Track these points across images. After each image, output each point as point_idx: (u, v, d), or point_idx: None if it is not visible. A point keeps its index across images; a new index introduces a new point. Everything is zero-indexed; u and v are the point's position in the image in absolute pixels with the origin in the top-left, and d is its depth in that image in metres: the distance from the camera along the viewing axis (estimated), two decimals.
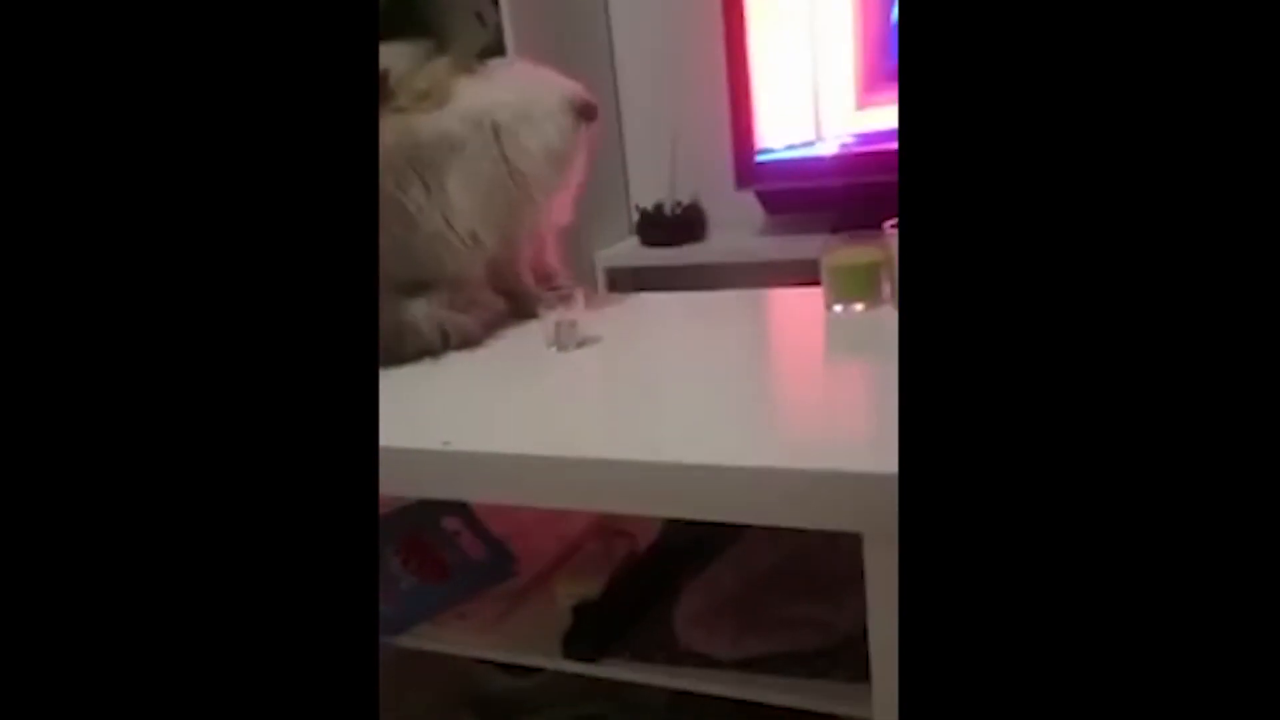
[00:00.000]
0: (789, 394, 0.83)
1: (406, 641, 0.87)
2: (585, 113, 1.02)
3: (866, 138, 1.78)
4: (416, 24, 2.03)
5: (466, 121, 0.99)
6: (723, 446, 0.66)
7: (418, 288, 0.97)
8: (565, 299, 0.94)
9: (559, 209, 1.06)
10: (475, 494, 0.83)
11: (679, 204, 2.04)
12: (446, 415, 0.80)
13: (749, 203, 2.01)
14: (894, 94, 1.76)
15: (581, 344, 0.94)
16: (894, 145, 1.74)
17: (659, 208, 2.04)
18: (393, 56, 1.15)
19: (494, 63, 1.06)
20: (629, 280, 2.00)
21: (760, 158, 1.87)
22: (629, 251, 2.04)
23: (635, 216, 2.08)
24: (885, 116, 1.75)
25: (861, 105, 1.79)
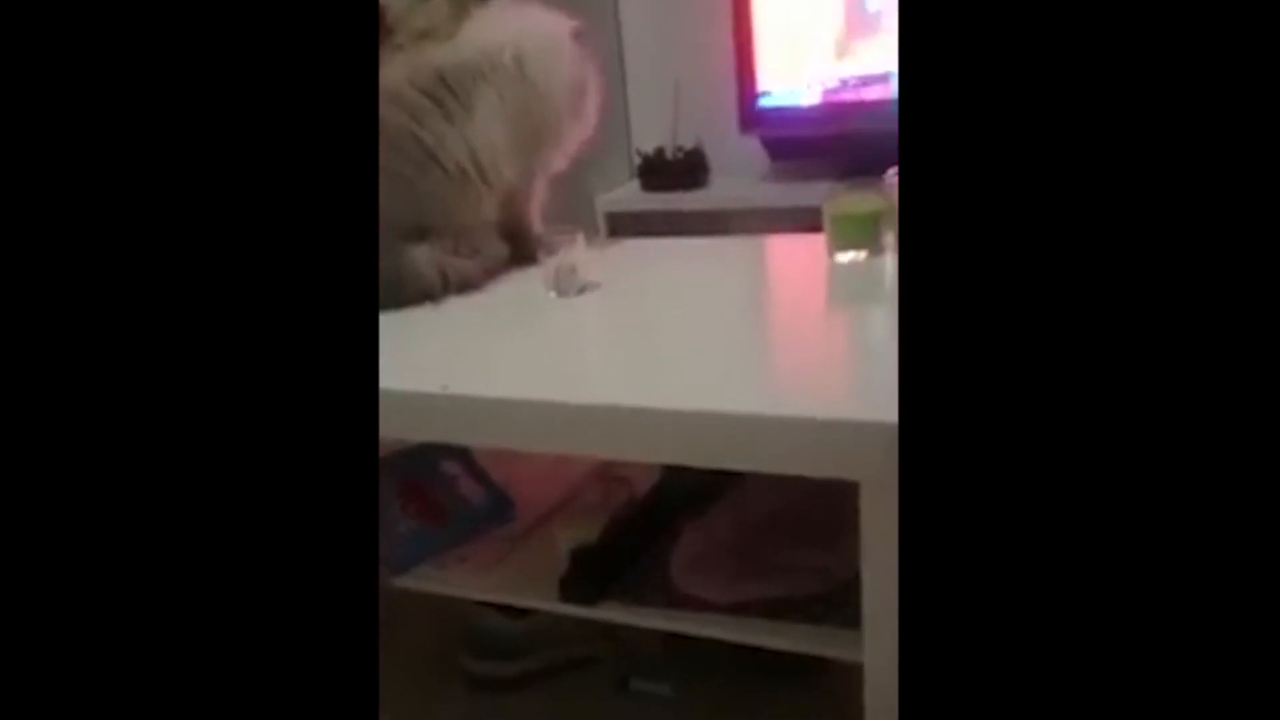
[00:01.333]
0: (788, 342, 0.83)
1: (405, 582, 0.88)
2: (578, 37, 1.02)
3: (868, 80, 1.76)
4: None
5: (488, 52, 0.98)
6: (720, 393, 0.66)
7: (422, 233, 0.96)
8: (566, 242, 0.94)
9: (567, 148, 1.04)
10: (474, 438, 0.83)
11: (681, 149, 2.01)
12: (446, 359, 0.80)
13: (752, 148, 1.99)
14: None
15: (582, 290, 0.94)
16: (890, 90, 1.72)
17: (660, 152, 2.02)
18: None
19: (493, 3, 1.04)
20: (630, 225, 1.99)
21: (764, 102, 1.85)
22: (630, 196, 2.02)
23: (637, 161, 2.06)
24: (884, 59, 1.73)
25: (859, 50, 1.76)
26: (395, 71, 0.96)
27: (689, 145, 2.02)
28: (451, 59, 0.97)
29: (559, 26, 1.01)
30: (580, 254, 0.94)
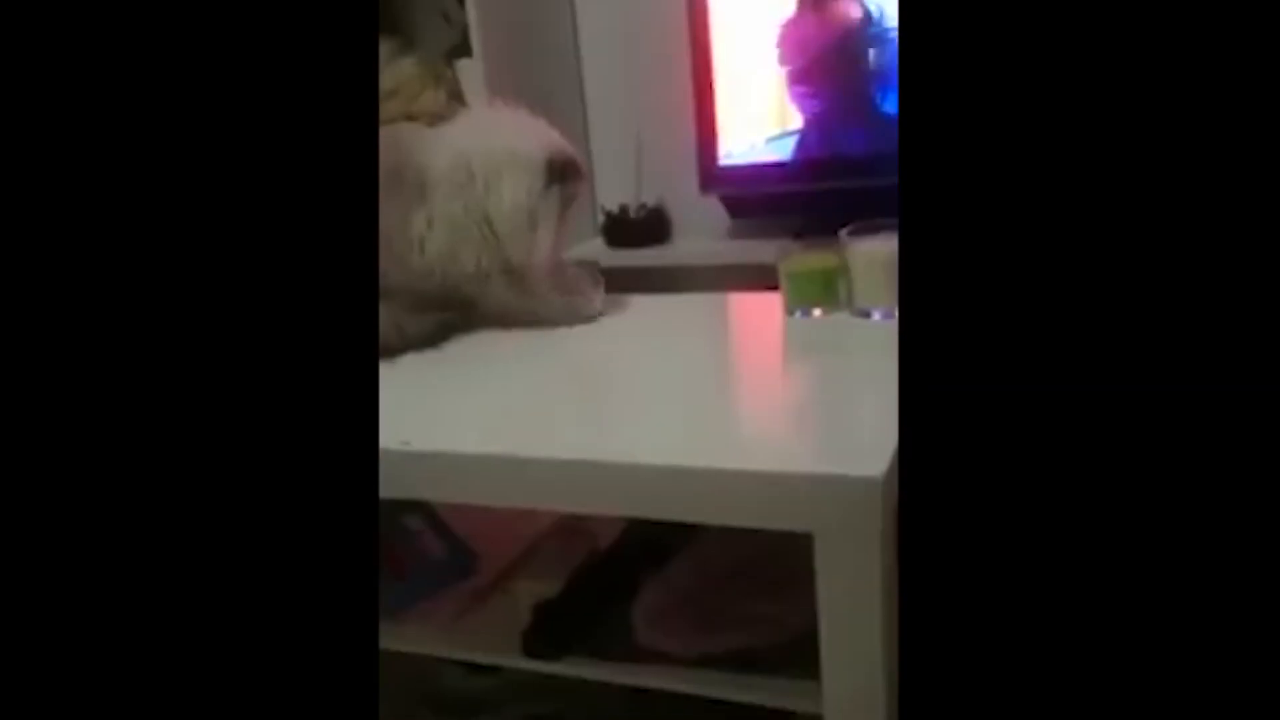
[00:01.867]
0: (746, 396, 0.84)
1: None
2: (566, 171, 1.01)
3: (827, 141, 1.81)
4: (382, 22, 2.02)
5: (447, 159, 0.98)
6: (679, 447, 0.67)
7: (385, 292, 0.97)
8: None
9: (537, 259, 1.03)
10: (435, 493, 0.84)
11: (644, 206, 2.05)
12: (405, 414, 0.81)
13: (713, 206, 2.03)
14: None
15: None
16: (853, 151, 1.77)
17: (624, 210, 2.05)
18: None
19: (476, 105, 1.05)
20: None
21: (724, 161, 1.89)
22: (594, 252, 2.05)
23: (601, 218, 2.09)
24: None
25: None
26: (402, 150, 0.98)
27: (651, 203, 2.06)
28: (412, 155, 0.98)
29: (532, 147, 1.00)
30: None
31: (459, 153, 0.99)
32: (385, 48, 1.90)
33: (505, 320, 1.04)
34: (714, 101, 1.87)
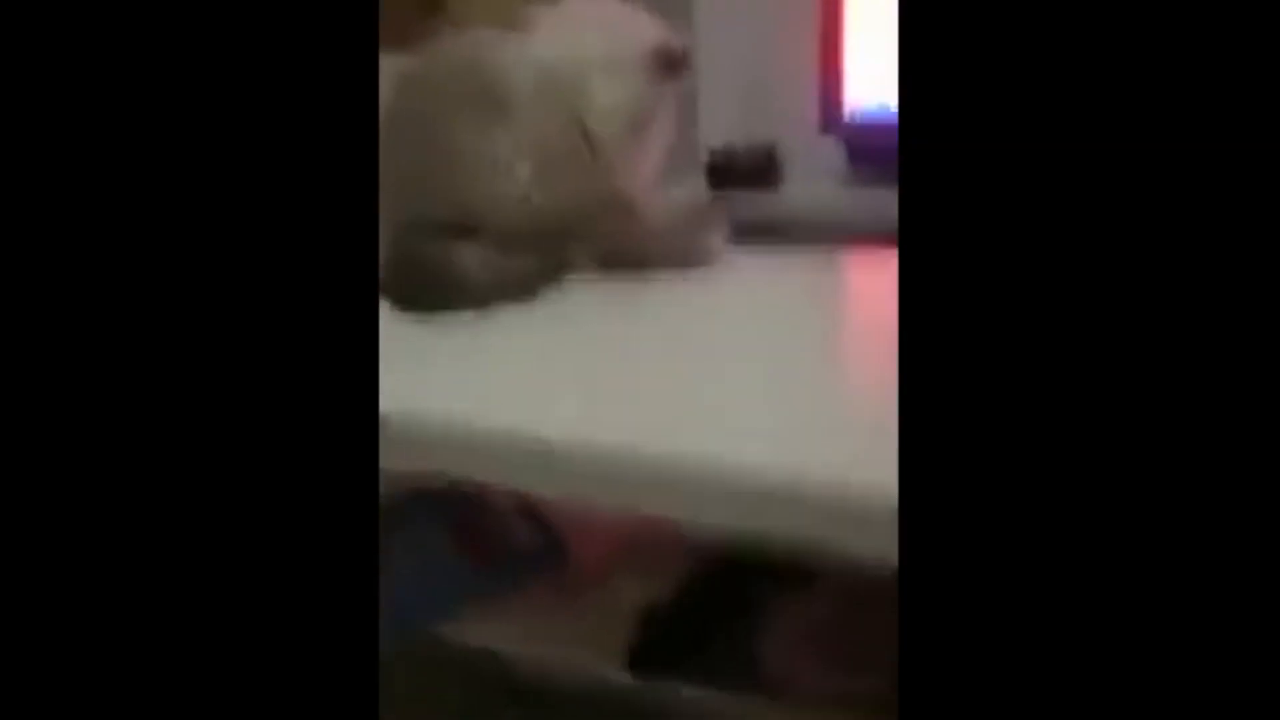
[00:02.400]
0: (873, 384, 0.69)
1: (449, 631, 0.77)
2: (673, 64, 0.87)
3: None
4: None
5: (534, 70, 0.84)
6: (811, 454, 0.53)
7: (468, 229, 0.84)
8: None
9: (642, 178, 0.90)
10: (529, 484, 0.72)
11: (753, 146, 1.88)
12: (500, 385, 0.68)
13: (832, 150, 1.85)
14: None
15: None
16: None
17: (730, 148, 1.89)
18: None
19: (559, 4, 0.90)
20: (699, 219, 1.86)
21: (849, 101, 1.71)
22: (696, 193, 1.89)
23: (704, 157, 1.93)
24: None
25: None
26: (442, 59, 0.85)
27: (762, 143, 1.88)
28: (491, 71, 0.85)
29: (632, 42, 0.87)
30: None
31: (544, 62, 0.84)
32: None
33: (613, 259, 0.90)
34: (841, 28, 1.68)
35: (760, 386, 0.65)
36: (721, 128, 1.96)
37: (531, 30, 0.86)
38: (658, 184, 0.92)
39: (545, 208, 0.85)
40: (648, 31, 0.88)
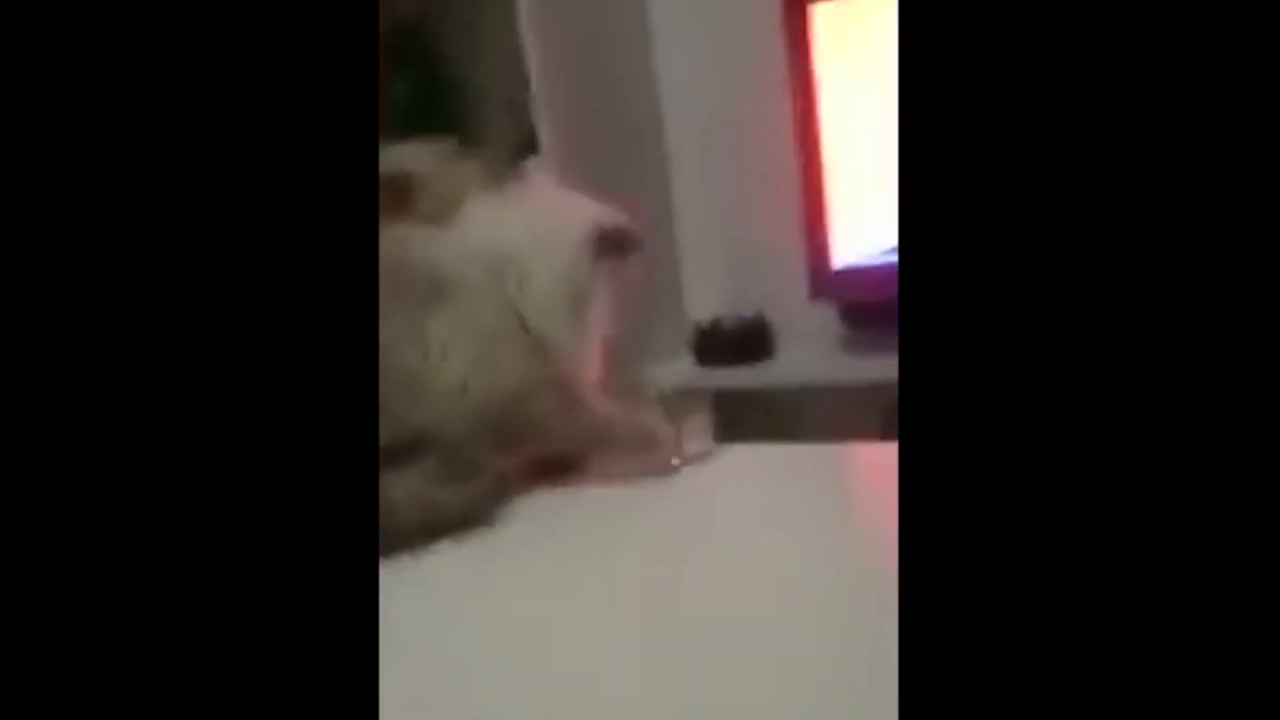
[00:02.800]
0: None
1: None
2: (617, 244, 0.79)
3: None
4: (441, 116, 1.80)
5: (467, 255, 0.76)
6: None
7: (398, 453, 0.68)
8: None
9: (584, 362, 0.80)
10: None
11: (741, 317, 1.75)
12: (430, 662, 0.50)
13: (824, 316, 1.71)
14: None
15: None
16: None
17: (717, 321, 1.76)
18: (414, 156, 0.95)
19: (509, 181, 0.82)
20: (682, 405, 1.71)
21: (840, 264, 1.59)
22: (682, 372, 1.75)
23: (690, 331, 1.80)
24: None
25: None
26: (403, 248, 0.74)
27: (749, 313, 1.76)
28: (421, 256, 0.76)
29: (572, 223, 0.80)
30: None
31: (476, 250, 0.77)
32: (443, 147, 1.66)
33: (560, 468, 0.76)
34: (824, 192, 1.58)
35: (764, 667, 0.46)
36: (708, 301, 1.84)
37: (465, 223, 0.78)
38: (605, 370, 0.80)
39: (484, 400, 0.73)
40: (587, 213, 0.80)
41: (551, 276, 0.75)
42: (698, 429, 0.82)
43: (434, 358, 0.72)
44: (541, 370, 0.74)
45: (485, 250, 0.75)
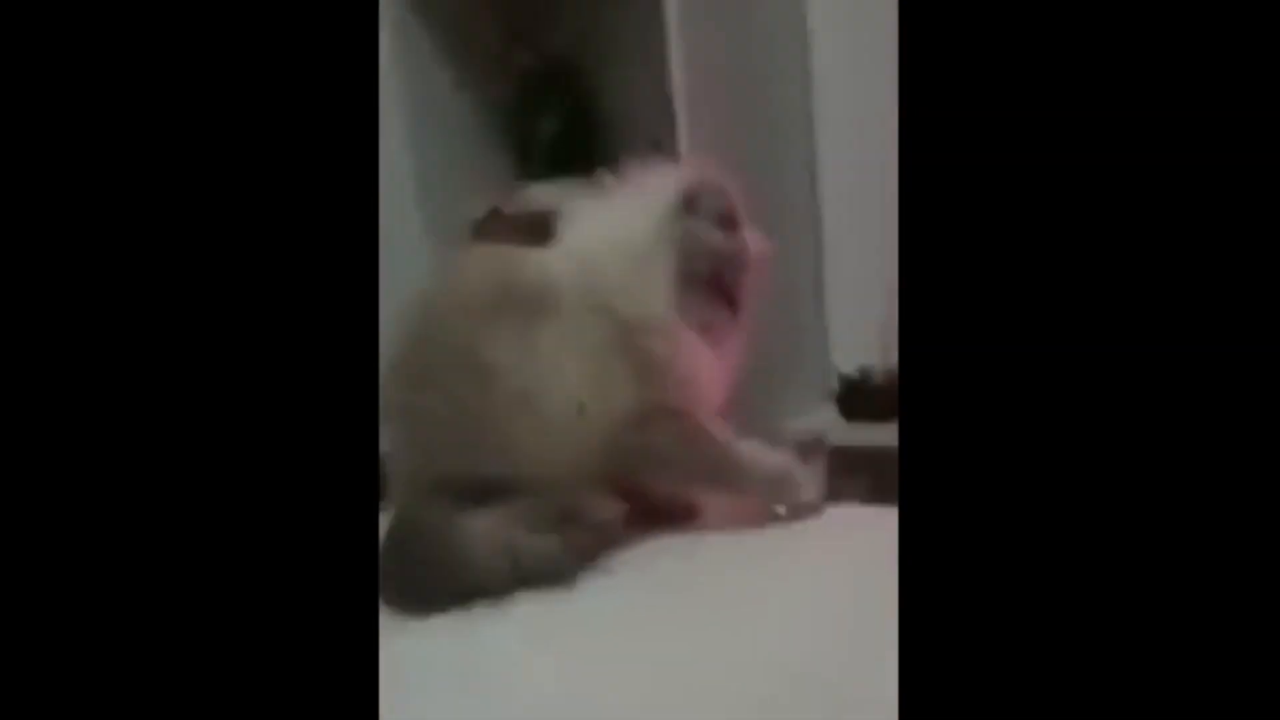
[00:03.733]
0: None
1: None
2: (691, 205, 0.73)
3: None
4: (587, 155, 1.77)
5: (563, 261, 0.73)
6: None
7: (486, 492, 0.62)
8: None
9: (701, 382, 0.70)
10: None
11: (892, 370, 1.62)
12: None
13: None
14: None
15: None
16: None
17: (866, 373, 1.64)
18: (559, 195, 0.94)
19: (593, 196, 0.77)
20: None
21: None
22: (825, 425, 1.63)
23: (835, 383, 1.68)
24: None
25: None
26: (473, 272, 0.76)
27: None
28: (529, 271, 0.72)
29: (651, 208, 0.74)
30: None
31: (576, 246, 0.73)
32: (589, 186, 1.64)
33: (673, 512, 0.72)
34: None
35: None
36: (854, 352, 1.73)
37: (556, 239, 0.73)
38: (730, 399, 0.75)
39: (602, 422, 0.68)
40: (666, 190, 0.75)
41: (639, 268, 0.69)
42: (813, 480, 0.72)
43: (548, 369, 0.67)
44: (659, 391, 0.68)
45: (577, 252, 0.70)
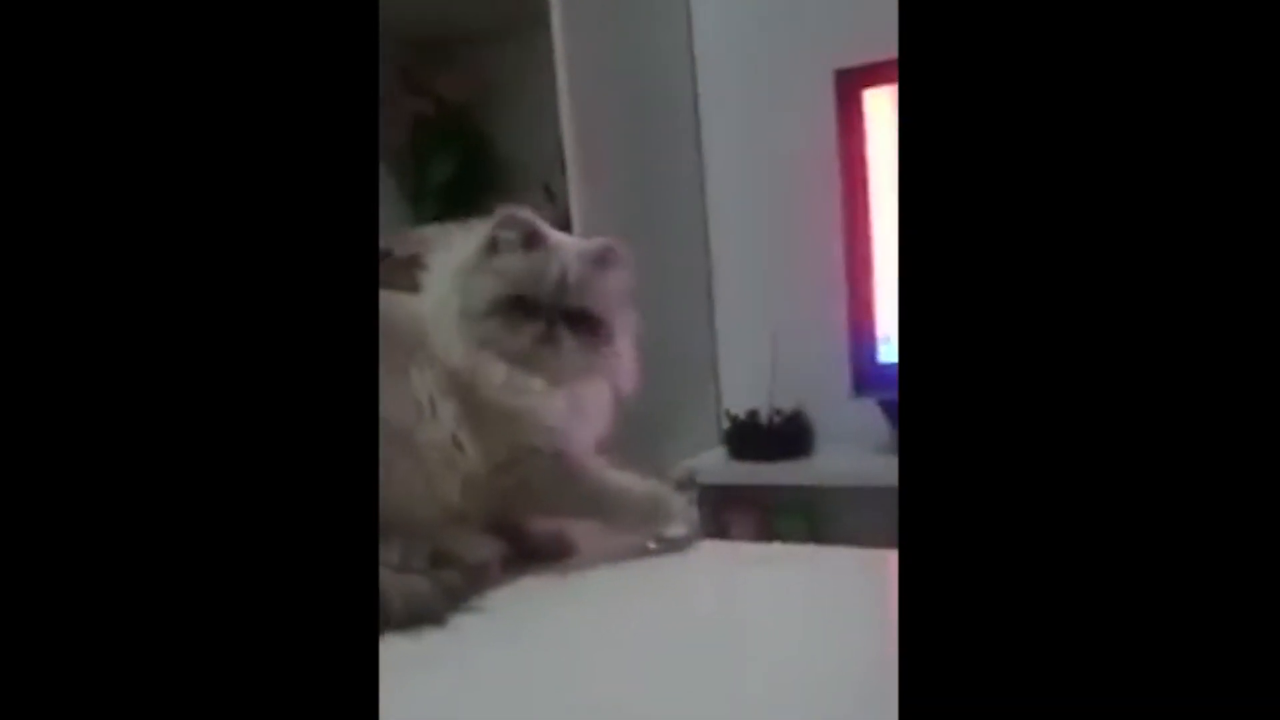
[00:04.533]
0: None
1: None
2: (492, 247, 0.73)
3: None
4: (480, 198, 1.78)
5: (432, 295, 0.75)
6: None
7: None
8: None
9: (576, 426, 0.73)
10: None
11: (779, 411, 1.66)
12: None
13: (867, 413, 1.61)
14: None
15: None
16: None
17: (754, 415, 1.67)
18: (436, 238, 0.92)
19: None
20: (711, 500, 1.61)
21: (885, 357, 1.50)
22: (715, 465, 1.65)
23: (725, 424, 1.71)
24: None
25: None
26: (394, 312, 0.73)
27: (788, 408, 1.67)
28: (403, 308, 0.74)
29: (453, 271, 0.76)
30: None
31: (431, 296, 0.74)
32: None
33: (550, 549, 0.75)
34: (872, 283, 1.51)
35: None
36: (744, 393, 1.76)
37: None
38: (608, 439, 0.75)
39: (473, 458, 0.69)
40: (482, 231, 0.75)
41: (439, 309, 0.70)
42: (685, 517, 0.72)
43: (426, 409, 0.66)
44: (521, 432, 0.68)
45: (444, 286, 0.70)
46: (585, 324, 0.70)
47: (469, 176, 1.84)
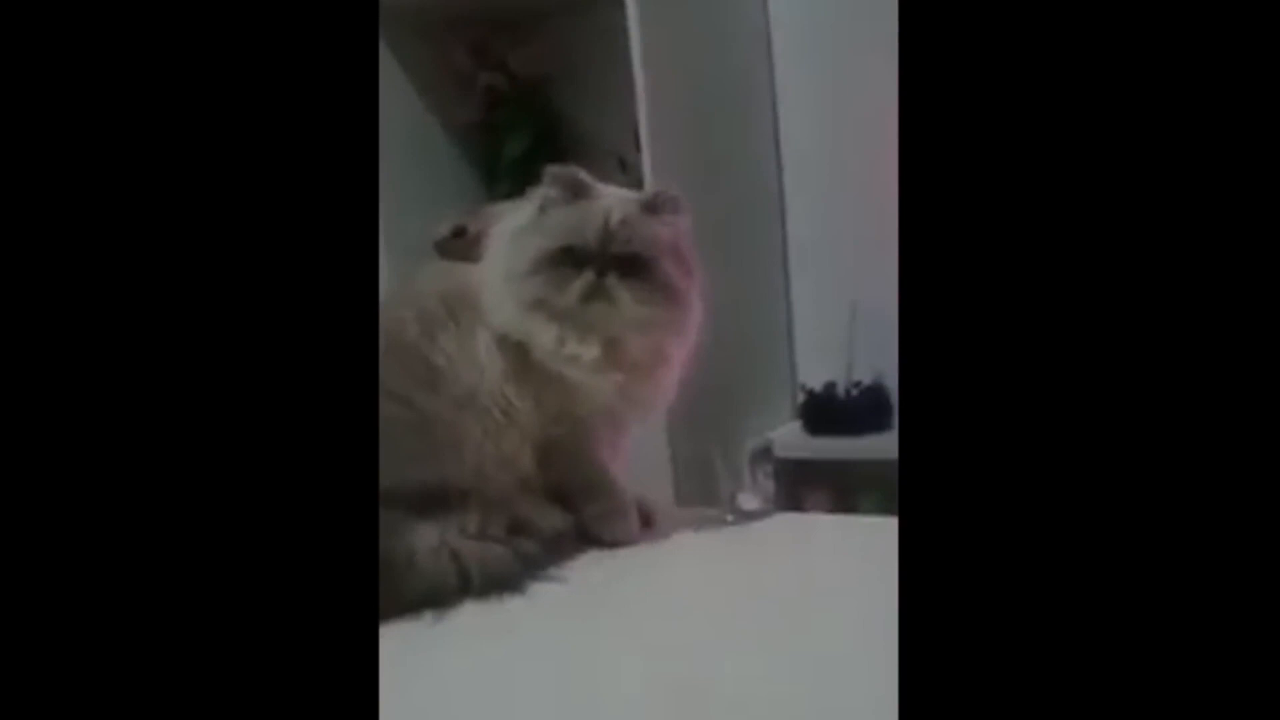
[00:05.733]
0: None
1: None
2: (544, 207, 0.74)
3: None
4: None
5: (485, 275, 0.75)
6: None
7: (431, 500, 0.62)
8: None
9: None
10: None
11: (857, 384, 1.64)
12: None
13: None
14: None
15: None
16: None
17: (830, 388, 1.65)
18: (497, 214, 0.93)
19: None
20: (787, 475, 1.60)
21: None
22: (790, 439, 1.64)
23: (800, 398, 1.69)
24: None
25: None
26: (426, 284, 0.75)
27: (867, 380, 1.64)
28: (475, 276, 0.74)
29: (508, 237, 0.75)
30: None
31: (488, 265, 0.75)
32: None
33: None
34: None
35: None
36: (818, 366, 1.73)
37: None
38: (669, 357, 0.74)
39: (526, 414, 0.69)
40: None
41: (495, 275, 0.70)
42: (761, 490, 0.72)
43: (484, 376, 0.67)
44: (577, 406, 0.68)
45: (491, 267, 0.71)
46: (637, 273, 0.68)
47: (543, 152, 1.84)
